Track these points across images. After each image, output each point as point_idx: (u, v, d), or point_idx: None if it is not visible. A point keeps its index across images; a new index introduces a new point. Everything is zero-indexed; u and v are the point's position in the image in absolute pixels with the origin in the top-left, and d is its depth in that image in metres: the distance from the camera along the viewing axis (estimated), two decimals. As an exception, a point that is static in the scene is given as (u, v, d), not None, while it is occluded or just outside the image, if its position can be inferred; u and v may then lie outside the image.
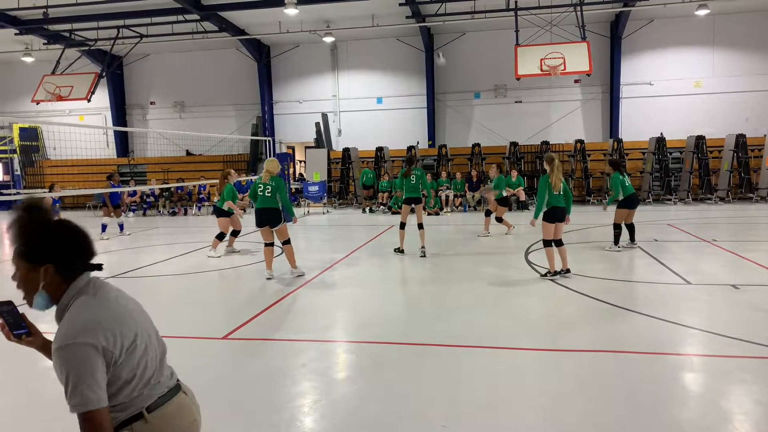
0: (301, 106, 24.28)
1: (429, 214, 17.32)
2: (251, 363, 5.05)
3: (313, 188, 19.04)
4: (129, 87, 25.86)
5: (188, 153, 25.13)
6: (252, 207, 9.63)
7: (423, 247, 10.09)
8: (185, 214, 20.03)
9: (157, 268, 9.66)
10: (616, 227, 10.02)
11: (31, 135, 25.56)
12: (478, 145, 20.92)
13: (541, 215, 8.10)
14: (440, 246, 11.43)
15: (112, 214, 13.83)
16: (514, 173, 18.02)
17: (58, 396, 4.53)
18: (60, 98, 20.24)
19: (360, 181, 20.29)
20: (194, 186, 20.30)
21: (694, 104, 21.20)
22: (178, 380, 2.20)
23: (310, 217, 17.58)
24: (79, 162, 23.53)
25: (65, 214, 11.50)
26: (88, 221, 17.05)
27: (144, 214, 20.10)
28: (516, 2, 17.83)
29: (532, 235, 12.27)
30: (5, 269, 10.34)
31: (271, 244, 8.56)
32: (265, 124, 24.25)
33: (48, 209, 1.93)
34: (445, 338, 5.56)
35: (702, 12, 18.60)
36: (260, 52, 23.65)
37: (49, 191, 11.30)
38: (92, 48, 22.35)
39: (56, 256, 1.88)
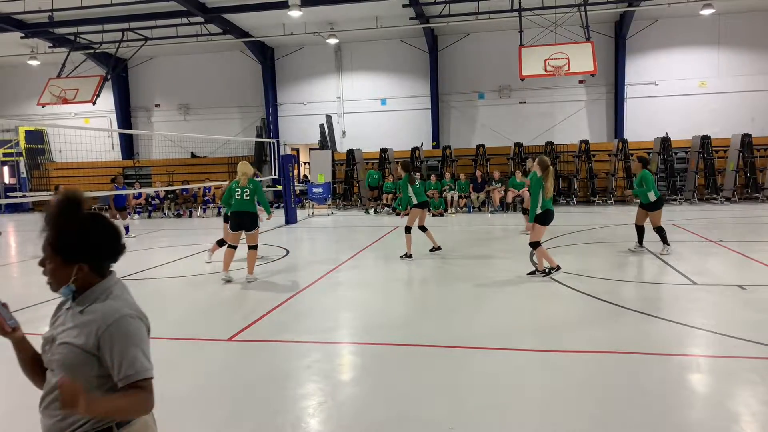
0: (306, 108, 24.31)
1: (433, 215, 17.32)
2: (257, 365, 5.06)
3: (318, 190, 19.05)
4: (134, 89, 25.94)
5: (193, 155, 25.18)
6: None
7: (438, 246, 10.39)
8: (190, 216, 20.08)
9: (163, 270, 9.69)
10: (660, 230, 9.38)
11: (36, 138, 25.68)
12: (483, 146, 20.89)
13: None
14: (444, 247, 11.42)
15: (117, 216, 13.87)
16: (519, 174, 18.04)
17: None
18: (65, 101, 20.34)
19: (365, 182, 20.29)
20: (199, 188, 20.34)
21: (700, 104, 21.11)
22: None
23: (315, 219, 17.60)
24: (85, 164, 23.63)
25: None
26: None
27: (149, 217, 20.16)
28: (520, 3, 17.80)
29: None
30: (7, 272, 10.39)
31: (235, 248, 8.51)
32: (270, 126, 24.29)
33: (83, 202, 1.91)
34: (450, 339, 5.55)
35: (707, 11, 18.53)
36: (264, 54, 23.70)
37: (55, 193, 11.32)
38: (97, 51, 22.43)
39: (90, 255, 1.88)
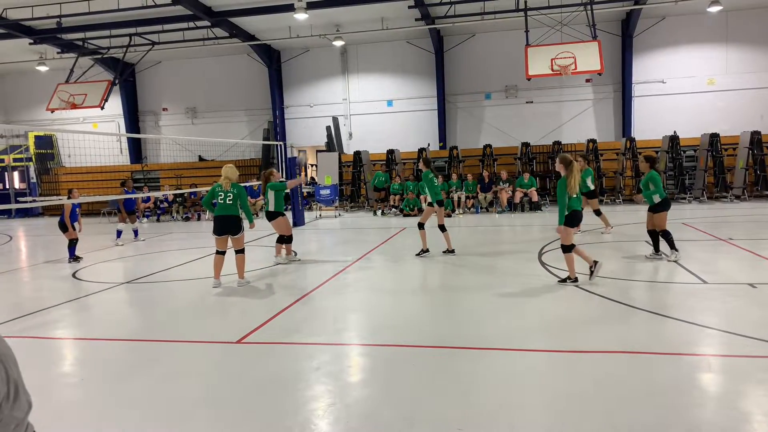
0: (312, 110, 24.37)
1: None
2: (265, 367, 5.06)
3: (325, 192, 19.07)
4: (141, 94, 26.10)
5: (201, 158, 25.30)
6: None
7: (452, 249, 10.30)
8: (198, 219, 20.15)
9: (171, 274, 9.73)
10: (666, 234, 9.05)
11: (46, 143, 25.88)
12: (490, 146, 20.85)
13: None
14: (453, 247, 11.40)
15: (126, 220, 13.96)
16: (526, 174, 18.00)
17: (73, 403, 4.58)
18: (74, 106, 20.48)
19: (371, 183, 20.31)
20: (207, 191, 20.40)
21: (708, 102, 20.99)
22: None
23: (322, 221, 17.62)
24: (94, 169, 23.78)
25: (82, 220, 11.59)
26: (102, 227, 17.23)
27: (158, 220, 20.26)
28: (526, 2, 17.76)
29: (551, 233, 12.21)
30: (17, 277, 10.47)
31: (223, 253, 8.45)
32: (277, 129, 24.35)
33: None
34: (459, 340, 5.54)
35: (714, 8, 18.41)
36: (271, 57, 23.77)
37: (68, 197, 11.40)
38: (105, 56, 22.59)
39: None
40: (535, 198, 17.75)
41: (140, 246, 13.51)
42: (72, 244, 11.27)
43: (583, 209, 7.68)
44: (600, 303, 6.68)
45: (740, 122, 20.08)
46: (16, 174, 25.32)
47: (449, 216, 17.20)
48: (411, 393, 4.34)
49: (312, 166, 24.36)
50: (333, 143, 22.54)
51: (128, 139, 25.81)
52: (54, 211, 22.94)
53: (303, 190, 17.37)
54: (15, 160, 25.07)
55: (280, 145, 20.07)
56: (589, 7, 17.42)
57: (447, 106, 23.10)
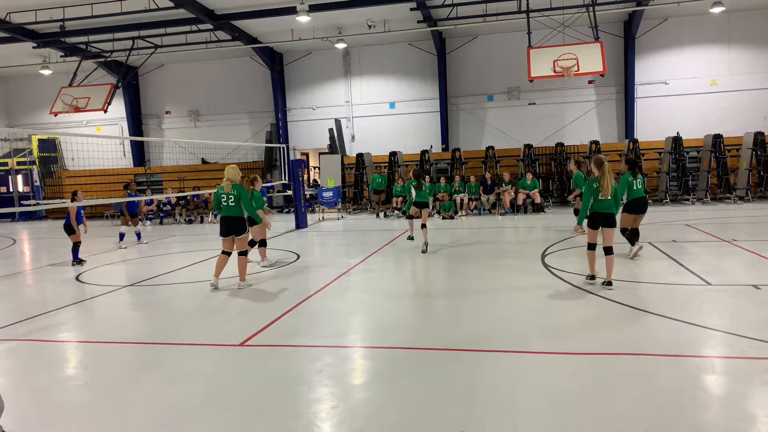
0: (315, 113, 24.40)
1: (443, 218, 17.30)
2: (268, 369, 5.07)
3: (328, 194, 19.10)
4: (144, 97, 26.17)
5: (204, 161, 25.34)
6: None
7: (426, 242, 11.14)
8: (201, 222, 20.19)
9: (175, 276, 9.74)
10: (624, 231, 9.38)
11: (49, 146, 25.97)
12: (492, 148, 20.84)
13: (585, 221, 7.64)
14: (456, 249, 11.40)
15: (129, 223, 13.98)
16: (529, 176, 17.98)
17: (77, 406, 4.59)
18: (77, 109, 20.53)
19: (371, 186, 20.32)
20: (210, 194, 20.41)
21: (711, 103, 20.96)
22: None
23: (325, 223, 17.63)
24: (97, 172, 23.87)
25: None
26: (105, 230, 17.25)
27: (161, 223, 20.29)
28: (528, 4, 17.77)
29: (554, 235, 12.19)
30: (21, 280, 10.49)
31: (229, 254, 8.49)
32: (279, 131, 24.39)
33: None
34: (461, 342, 5.53)
35: (717, 9, 18.38)
36: (273, 59, 23.81)
37: (72, 200, 11.42)
38: (108, 59, 22.67)
39: None
40: (538, 200, 17.72)
41: (143, 249, 13.54)
42: (76, 247, 11.30)
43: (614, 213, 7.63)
44: (603, 305, 6.67)
45: (743, 123, 20.04)
46: (19, 177, 25.39)
47: (451, 218, 17.20)
48: (414, 395, 4.33)
49: (314, 168, 24.39)
50: (335, 145, 22.56)
51: (131, 142, 25.88)
52: (57, 214, 23.01)
53: (306, 192, 17.38)
54: (19, 163, 25.14)
55: (283, 147, 20.16)
56: (591, 8, 17.42)
57: (449, 108, 23.10)
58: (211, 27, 19.81)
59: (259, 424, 3.98)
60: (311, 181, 23.34)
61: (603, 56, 16.52)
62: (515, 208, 17.92)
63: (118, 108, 24.75)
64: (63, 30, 18.92)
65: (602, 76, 17.71)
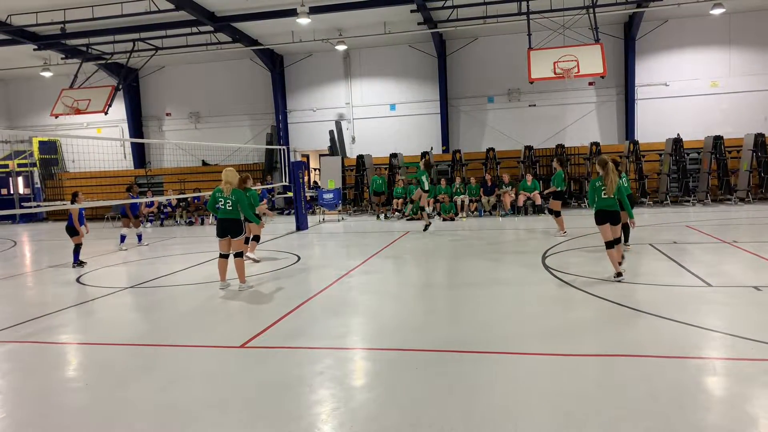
0: (315, 115, 24.42)
1: (444, 219, 17.29)
2: (269, 371, 5.07)
3: (328, 196, 19.10)
4: (145, 99, 26.20)
5: (204, 163, 25.35)
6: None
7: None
8: (202, 223, 20.18)
9: (176, 278, 9.74)
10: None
11: (50, 148, 25.98)
12: (493, 149, 20.84)
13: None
14: (457, 251, 11.40)
15: (131, 225, 14.02)
16: (529, 177, 17.97)
17: (77, 408, 4.59)
18: (78, 111, 20.56)
19: (371, 188, 20.32)
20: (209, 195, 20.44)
21: (711, 104, 20.96)
22: None
23: (326, 225, 17.62)
24: (98, 174, 23.88)
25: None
26: (106, 232, 17.25)
27: (161, 225, 20.29)
28: (528, 6, 17.78)
29: (552, 237, 12.19)
30: (22, 282, 10.50)
31: (227, 257, 8.51)
32: (280, 133, 24.40)
33: None
34: (463, 344, 5.53)
35: (717, 11, 18.39)
36: (274, 61, 23.84)
37: (72, 201, 11.44)
38: (109, 61, 22.69)
39: None
40: (539, 201, 17.71)
41: (144, 250, 13.54)
42: (77, 249, 11.31)
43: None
44: (604, 306, 6.66)
45: (744, 124, 20.03)
46: (20, 179, 25.41)
47: (452, 219, 17.19)
48: (415, 397, 4.33)
49: (315, 170, 24.40)
50: (336, 147, 22.57)
51: (132, 144, 25.91)
52: (58, 216, 23.01)
53: (306, 194, 17.39)
54: (19, 165, 25.15)
55: (283, 149, 20.17)
56: (591, 10, 17.43)
57: (450, 110, 23.11)
58: (211, 29, 19.84)
59: (259, 426, 3.98)
60: (312, 183, 23.35)
61: (603, 58, 16.53)
62: (516, 210, 17.92)
63: (119, 110, 24.78)
64: (64, 32, 18.93)
65: (603, 77, 17.71)
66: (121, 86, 22.09)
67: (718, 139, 18.78)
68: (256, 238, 11.01)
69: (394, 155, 21.29)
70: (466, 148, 22.28)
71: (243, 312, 7.36)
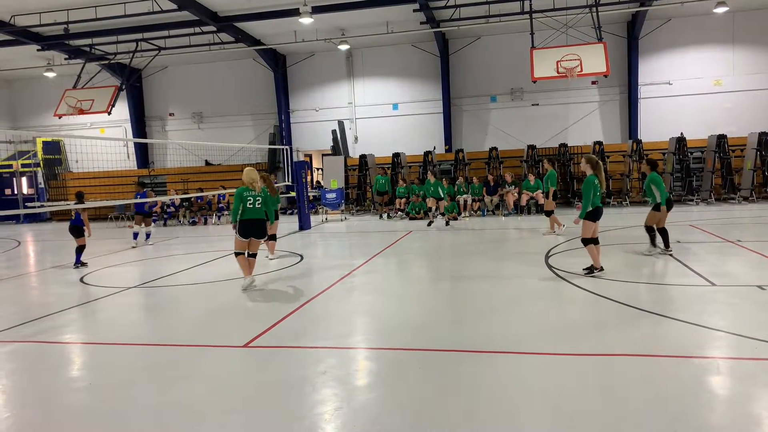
0: (318, 114, 24.42)
1: (447, 219, 17.27)
2: (271, 371, 5.07)
3: (331, 195, 19.10)
4: (148, 99, 26.24)
5: (207, 163, 25.39)
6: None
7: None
8: (205, 223, 20.21)
9: (179, 278, 9.75)
10: (663, 231, 9.46)
11: (54, 148, 26.03)
12: (495, 148, 20.83)
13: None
14: (460, 250, 11.39)
15: (142, 223, 14.21)
16: (532, 177, 17.94)
17: (81, 408, 4.59)
18: (81, 112, 20.61)
19: (374, 187, 20.33)
20: (213, 196, 20.48)
21: (715, 103, 20.90)
22: None
23: (329, 225, 17.63)
24: (101, 174, 23.92)
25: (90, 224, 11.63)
26: (109, 232, 17.27)
27: (164, 225, 20.32)
28: (531, 5, 17.75)
29: (556, 237, 12.17)
30: (26, 282, 10.53)
31: (245, 254, 8.47)
32: (282, 133, 24.42)
33: None
34: (466, 344, 5.52)
35: (720, 9, 18.34)
36: (276, 61, 23.85)
37: (79, 201, 11.50)
38: (112, 62, 22.73)
39: None
40: (542, 200, 17.68)
41: (147, 250, 13.57)
42: (80, 250, 11.33)
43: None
44: (607, 305, 6.65)
45: (748, 123, 19.96)
46: (24, 179, 25.48)
47: (455, 219, 17.18)
48: (418, 397, 4.33)
49: (318, 169, 24.41)
50: (339, 147, 22.57)
51: (135, 144, 25.94)
52: (62, 216, 23.06)
53: (309, 194, 17.40)
54: (23, 165, 25.22)
55: (286, 149, 20.15)
56: (594, 9, 17.39)
57: (452, 109, 23.09)
58: (214, 29, 19.86)
59: (262, 426, 3.98)
60: (314, 183, 23.35)
61: (606, 57, 16.49)
62: (519, 209, 17.90)
63: (122, 110, 24.84)
64: (67, 33, 18.96)
65: (606, 76, 17.66)
66: (124, 86, 22.13)
67: (721, 138, 18.74)
68: (273, 237, 11.05)
69: (396, 155, 21.29)
70: (469, 148, 22.27)
71: (246, 312, 7.37)
